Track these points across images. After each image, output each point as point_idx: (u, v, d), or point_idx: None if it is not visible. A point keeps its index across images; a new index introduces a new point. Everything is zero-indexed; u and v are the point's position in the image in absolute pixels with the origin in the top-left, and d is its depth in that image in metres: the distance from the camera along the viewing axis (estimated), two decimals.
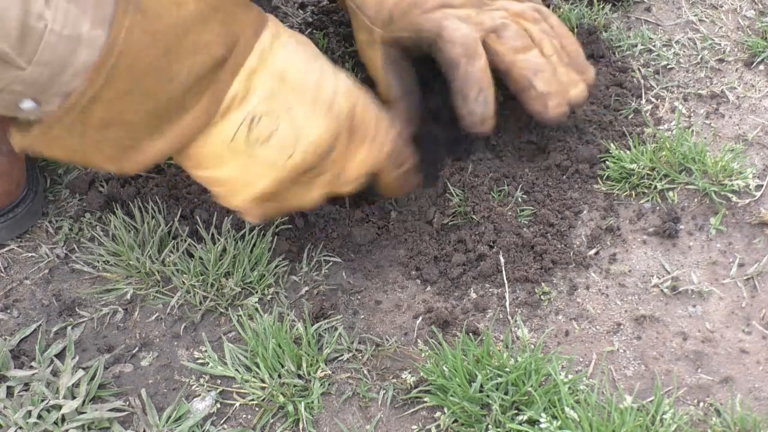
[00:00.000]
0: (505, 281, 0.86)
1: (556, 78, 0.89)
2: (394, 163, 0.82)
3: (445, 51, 0.86)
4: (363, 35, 0.95)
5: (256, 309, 0.86)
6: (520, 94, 0.89)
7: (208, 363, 0.82)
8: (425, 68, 0.93)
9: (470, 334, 0.81)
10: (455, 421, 0.75)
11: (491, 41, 0.87)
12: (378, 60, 0.92)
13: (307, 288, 0.88)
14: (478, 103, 0.86)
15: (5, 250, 0.95)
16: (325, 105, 0.74)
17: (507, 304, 0.85)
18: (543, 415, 0.71)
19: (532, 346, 0.80)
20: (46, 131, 0.67)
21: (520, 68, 0.87)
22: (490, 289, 0.86)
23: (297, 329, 0.82)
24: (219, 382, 0.81)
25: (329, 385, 0.80)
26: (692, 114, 1.03)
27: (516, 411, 0.74)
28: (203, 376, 0.81)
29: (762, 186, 0.93)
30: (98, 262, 0.91)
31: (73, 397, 0.79)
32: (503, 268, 0.87)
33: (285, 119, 0.72)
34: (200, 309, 0.86)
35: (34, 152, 0.70)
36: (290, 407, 0.77)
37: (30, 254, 0.94)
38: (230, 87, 0.70)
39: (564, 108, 0.89)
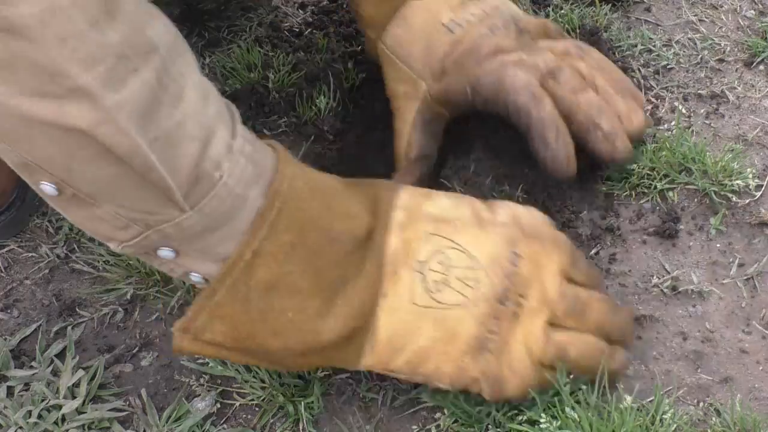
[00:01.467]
0: None
1: (617, 117, 0.86)
2: (577, 262, 0.74)
3: (511, 101, 0.82)
4: (403, 87, 0.89)
5: None
6: (585, 135, 0.84)
7: (208, 363, 0.82)
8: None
9: None
10: (455, 421, 0.75)
11: (549, 85, 0.84)
12: (411, 114, 0.88)
13: None
14: (559, 146, 0.81)
15: (5, 250, 0.95)
16: (487, 220, 0.69)
17: None
18: (543, 415, 0.71)
19: None
20: (209, 296, 0.63)
21: (585, 110, 0.83)
22: None
23: None
24: (219, 382, 0.81)
25: (329, 385, 0.80)
26: (692, 114, 1.03)
27: (516, 411, 0.74)
28: (203, 376, 0.81)
29: (762, 186, 0.93)
30: (98, 262, 0.91)
31: (74, 397, 0.79)
32: None
33: (453, 251, 0.67)
34: None
35: (195, 336, 0.65)
36: (290, 407, 0.77)
37: (30, 254, 0.94)
38: (386, 244, 0.66)
39: (629, 144, 0.86)
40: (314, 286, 0.64)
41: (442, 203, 0.70)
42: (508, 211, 0.71)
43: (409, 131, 0.88)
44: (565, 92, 0.84)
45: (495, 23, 0.87)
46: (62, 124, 0.51)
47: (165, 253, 0.62)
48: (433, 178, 0.92)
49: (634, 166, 0.93)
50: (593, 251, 0.89)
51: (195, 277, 0.65)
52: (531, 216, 0.73)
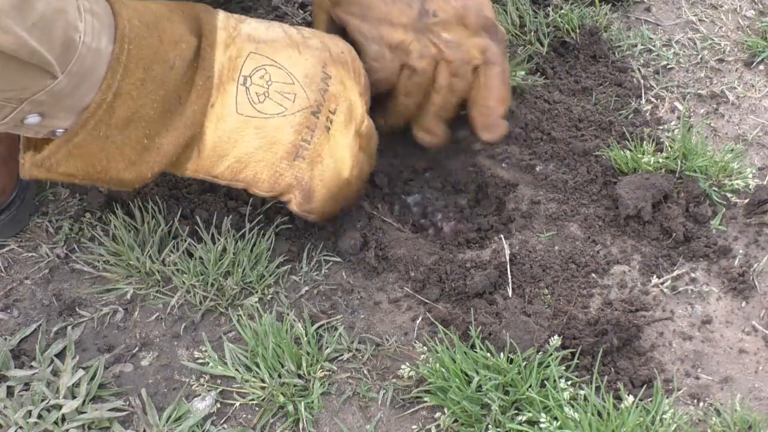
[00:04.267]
0: (510, 281, 0.86)
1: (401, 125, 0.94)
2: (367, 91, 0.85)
3: (368, 72, 0.88)
4: None
5: (256, 309, 0.86)
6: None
7: (208, 363, 0.82)
8: None
9: (468, 333, 0.81)
10: (455, 421, 0.75)
11: (403, 74, 0.90)
12: (321, 26, 0.94)
13: (307, 288, 0.88)
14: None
15: (5, 250, 0.95)
16: (300, 43, 0.79)
17: (509, 303, 0.85)
18: (543, 415, 0.71)
19: None
20: (69, 139, 0.68)
21: (392, 106, 0.92)
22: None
23: (297, 329, 0.82)
24: (219, 381, 0.81)
25: (329, 385, 0.80)
26: (692, 114, 1.04)
27: (516, 411, 0.74)
28: (203, 375, 0.81)
29: (762, 185, 0.93)
30: (98, 261, 0.91)
31: (74, 397, 0.79)
32: (508, 269, 0.87)
33: (272, 68, 0.77)
34: (200, 309, 0.86)
35: (48, 169, 0.70)
36: (290, 407, 0.77)
37: (30, 254, 0.94)
38: (215, 60, 0.74)
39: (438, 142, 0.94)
40: (160, 112, 0.71)
41: (254, 24, 0.79)
42: (318, 37, 0.81)
43: None
44: (400, 87, 0.91)
45: None
46: None
47: (32, 119, 0.65)
48: None
49: (635, 165, 0.93)
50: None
51: (60, 132, 0.69)
52: (336, 44, 0.82)
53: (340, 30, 0.91)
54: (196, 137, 0.75)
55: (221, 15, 0.77)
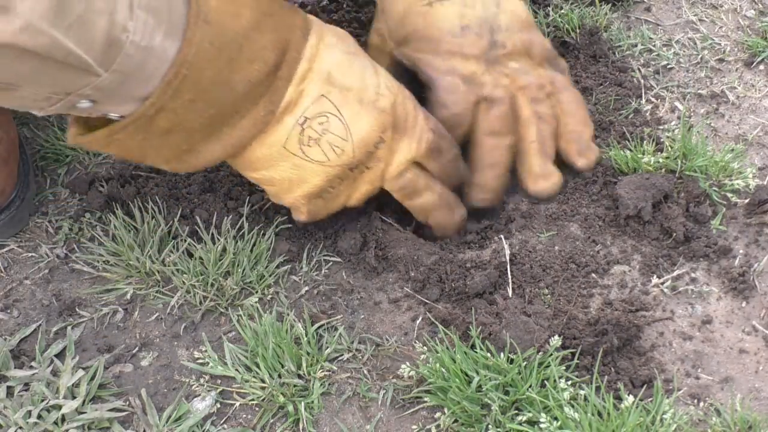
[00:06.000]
0: (510, 281, 0.86)
1: (500, 178, 0.91)
2: (435, 155, 0.84)
3: (435, 111, 0.88)
4: (376, 39, 0.96)
5: (256, 309, 0.86)
6: (464, 178, 0.91)
7: (208, 363, 0.82)
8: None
9: (468, 333, 0.81)
10: (455, 421, 0.75)
11: (481, 110, 0.89)
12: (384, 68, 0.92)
13: (307, 288, 0.88)
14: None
15: (5, 250, 0.95)
16: (370, 102, 0.78)
17: (509, 303, 0.85)
18: (543, 415, 0.71)
19: None
20: (109, 134, 0.69)
21: (481, 153, 0.90)
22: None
23: (297, 329, 0.82)
24: (219, 382, 0.81)
25: (329, 385, 0.80)
26: (692, 114, 1.04)
27: (516, 411, 0.74)
28: (203, 376, 0.81)
29: (762, 185, 0.93)
30: (98, 262, 0.91)
31: (73, 397, 0.79)
32: (508, 269, 0.87)
33: (334, 119, 0.76)
34: (200, 309, 0.86)
35: (87, 149, 0.72)
36: (290, 407, 0.77)
37: (30, 254, 0.94)
38: (286, 93, 0.74)
39: (491, 204, 0.92)
40: (206, 126, 0.71)
41: (338, 58, 0.77)
42: (391, 96, 0.79)
43: None
44: (483, 126, 0.89)
45: (470, 24, 0.89)
46: None
47: (83, 104, 0.65)
48: None
49: (635, 165, 0.93)
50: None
51: (113, 116, 0.69)
52: (405, 107, 0.81)
53: (405, 71, 0.90)
54: (237, 156, 0.77)
55: (312, 38, 0.75)
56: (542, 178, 0.91)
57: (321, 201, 0.82)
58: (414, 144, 0.82)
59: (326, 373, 0.80)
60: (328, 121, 0.76)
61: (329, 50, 0.76)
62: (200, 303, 0.87)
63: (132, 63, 0.62)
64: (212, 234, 0.90)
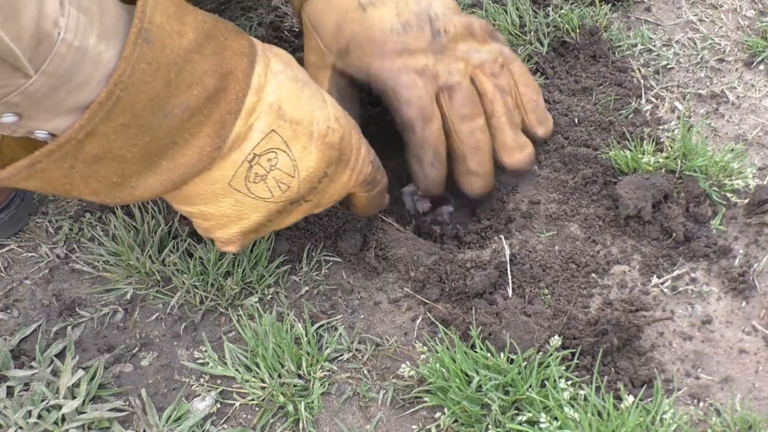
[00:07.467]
0: (510, 281, 0.86)
1: (489, 159, 0.90)
2: (368, 186, 0.83)
3: (401, 112, 0.86)
4: (313, 57, 0.92)
5: (256, 309, 0.86)
6: (454, 163, 0.90)
7: (208, 363, 0.82)
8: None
9: (468, 333, 0.81)
10: (455, 421, 0.75)
11: (443, 100, 0.88)
12: (325, 85, 0.90)
13: (307, 288, 0.88)
14: (433, 168, 0.89)
15: (5, 250, 0.95)
16: (320, 136, 0.74)
17: (509, 303, 0.85)
18: (543, 415, 0.71)
19: None
20: (31, 164, 0.63)
21: (461, 141, 0.89)
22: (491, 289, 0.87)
23: (297, 329, 0.82)
24: (219, 382, 0.81)
25: (329, 385, 0.80)
26: (692, 114, 1.04)
27: (516, 411, 0.74)
28: (203, 376, 0.82)
29: (762, 185, 0.93)
30: (98, 262, 0.91)
31: (73, 397, 0.79)
32: (508, 269, 0.87)
33: (283, 155, 0.72)
34: (200, 309, 0.87)
35: (7, 185, 0.65)
36: (290, 407, 0.77)
37: (30, 254, 0.94)
38: (234, 127, 0.68)
39: (488, 184, 0.92)
40: (140, 155, 0.65)
41: (287, 88, 0.72)
42: (341, 129, 0.76)
43: None
44: (452, 115, 0.88)
45: (408, 20, 0.88)
46: None
47: (7, 119, 0.60)
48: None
49: (635, 165, 0.93)
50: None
51: (40, 134, 0.64)
52: (351, 139, 0.78)
53: (349, 83, 0.89)
54: (178, 187, 0.70)
55: (259, 65, 0.70)
56: (517, 150, 0.92)
57: (254, 234, 0.79)
58: (354, 176, 0.80)
59: (326, 373, 0.80)
60: (276, 157, 0.72)
61: (277, 79, 0.72)
62: (200, 303, 0.87)
63: (65, 64, 0.57)
64: None
